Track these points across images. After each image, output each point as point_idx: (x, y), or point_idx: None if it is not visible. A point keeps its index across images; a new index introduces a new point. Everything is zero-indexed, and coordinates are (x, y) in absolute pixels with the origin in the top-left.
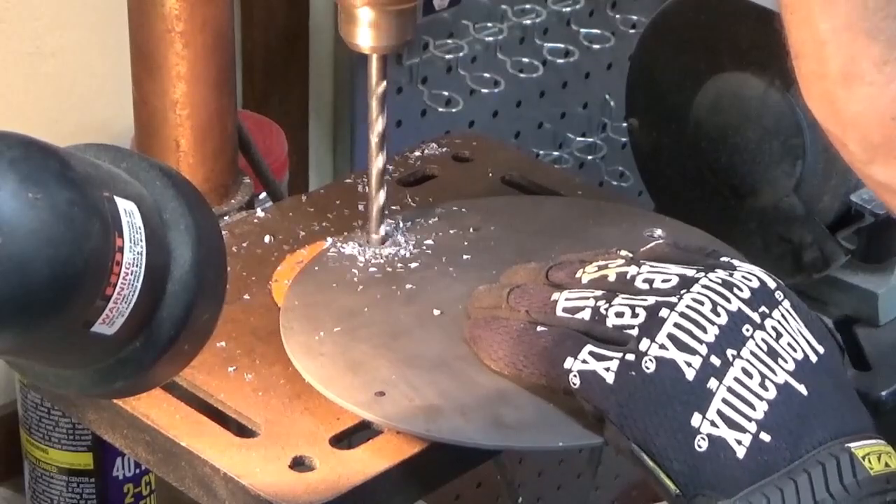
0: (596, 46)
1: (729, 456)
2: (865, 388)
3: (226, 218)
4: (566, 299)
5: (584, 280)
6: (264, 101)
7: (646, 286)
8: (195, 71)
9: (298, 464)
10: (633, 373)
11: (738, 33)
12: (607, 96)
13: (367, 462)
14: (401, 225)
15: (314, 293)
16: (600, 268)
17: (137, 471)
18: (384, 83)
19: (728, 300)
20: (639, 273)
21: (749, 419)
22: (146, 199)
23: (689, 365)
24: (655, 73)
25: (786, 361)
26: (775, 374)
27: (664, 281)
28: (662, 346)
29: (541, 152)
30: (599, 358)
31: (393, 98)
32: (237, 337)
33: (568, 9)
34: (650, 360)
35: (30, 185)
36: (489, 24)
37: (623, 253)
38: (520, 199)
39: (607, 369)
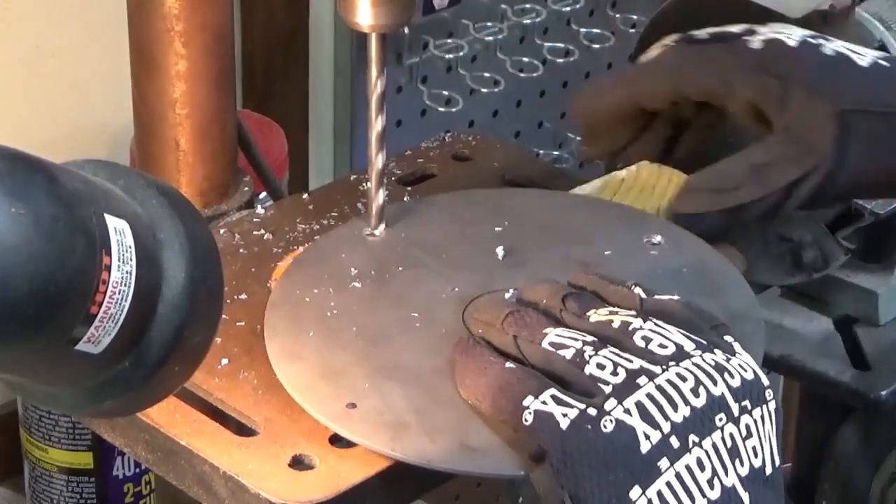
0: (596, 46)
1: None
2: (865, 388)
3: (226, 217)
4: (556, 335)
5: (592, 319)
6: (264, 101)
7: (641, 344)
8: (195, 70)
9: (298, 462)
10: (590, 426)
11: None
12: None
13: (367, 461)
14: (401, 218)
15: (303, 289)
16: (611, 312)
17: (137, 470)
18: (383, 82)
19: (714, 383)
20: (641, 328)
21: None
22: (140, 218)
23: (647, 437)
24: None
25: (742, 465)
26: (726, 475)
27: (661, 346)
28: (627, 411)
29: (541, 152)
30: (560, 402)
31: (393, 98)
32: (237, 336)
33: (568, 8)
34: (610, 420)
35: (13, 200)
36: (489, 24)
37: (637, 290)
38: (523, 193)
39: (564, 415)
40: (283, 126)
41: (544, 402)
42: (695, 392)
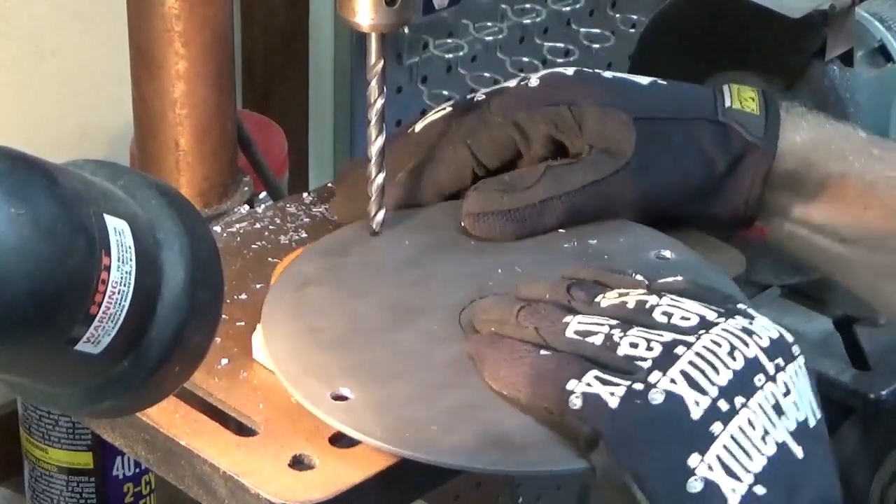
0: (596, 46)
1: (720, 502)
2: (865, 388)
3: (226, 217)
4: (579, 322)
5: (603, 304)
6: (264, 101)
7: (664, 319)
8: (194, 70)
9: (298, 462)
10: (639, 401)
11: (738, 33)
12: None
13: (367, 460)
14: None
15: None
16: (621, 294)
17: (137, 470)
18: (382, 62)
19: (747, 345)
20: (658, 304)
21: (746, 470)
22: (140, 218)
23: (696, 404)
24: (655, 72)
25: (788, 420)
26: (777, 431)
27: (683, 318)
28: (673, 381)
29: None
30: (605, 383)
31: (393, 98)
32: (237, 336)
33: (568, 8)
34: (659, 392)
35: (13, 200)
36: (489, 24)
37: (639, 278)
38: None
39: (612, 394)
40: (283, 126)
41: (589, 384)
42: (732, 356)
